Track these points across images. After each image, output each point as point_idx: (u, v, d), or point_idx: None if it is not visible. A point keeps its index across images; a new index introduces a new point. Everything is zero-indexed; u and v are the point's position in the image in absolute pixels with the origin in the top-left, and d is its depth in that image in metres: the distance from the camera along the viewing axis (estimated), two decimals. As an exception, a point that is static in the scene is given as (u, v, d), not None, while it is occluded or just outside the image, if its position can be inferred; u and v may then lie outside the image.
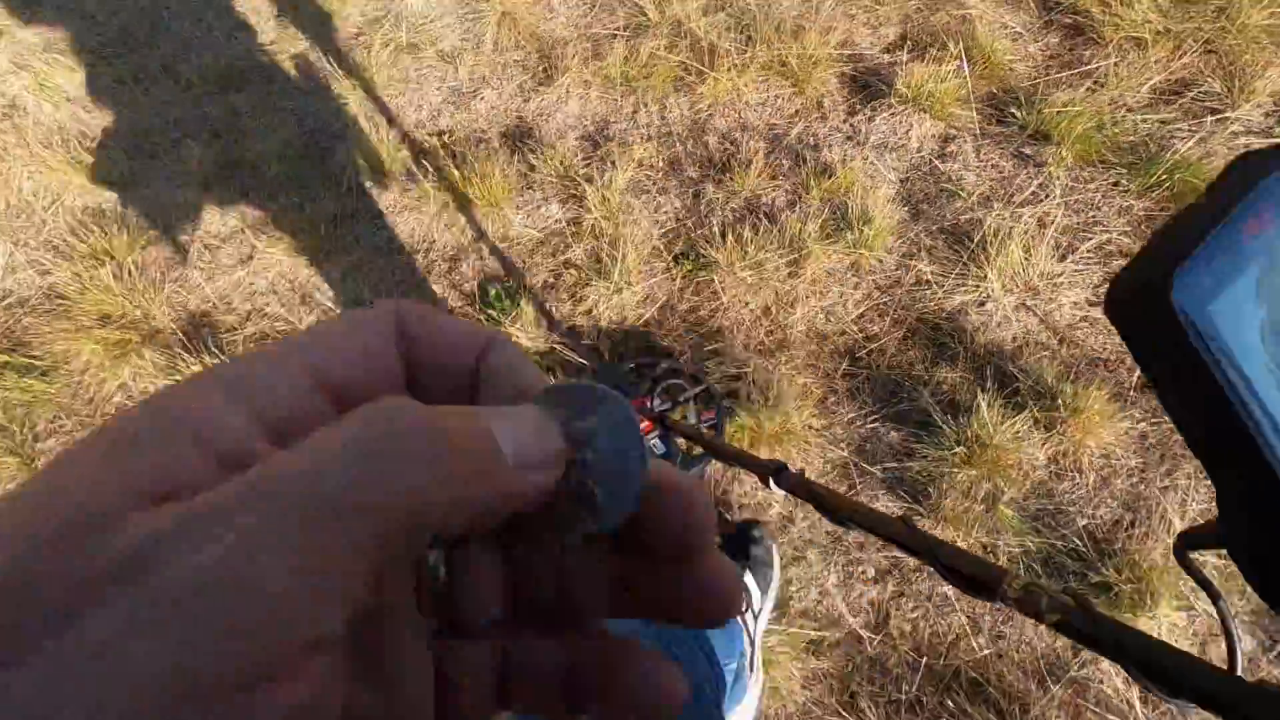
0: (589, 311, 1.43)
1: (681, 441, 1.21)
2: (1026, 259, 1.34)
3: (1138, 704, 1.03)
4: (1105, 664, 1.07)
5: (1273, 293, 0.27)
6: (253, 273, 1.55)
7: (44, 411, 1.42)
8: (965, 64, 1.51)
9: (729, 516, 1.22)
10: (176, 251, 1.58)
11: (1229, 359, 0.26)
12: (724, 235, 1.43)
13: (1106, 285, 0.28)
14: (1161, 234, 0.28)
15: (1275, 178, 0.26)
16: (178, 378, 1.37)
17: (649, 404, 1.21)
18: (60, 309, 1.51)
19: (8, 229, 1.63)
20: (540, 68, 1.72)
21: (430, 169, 1.59)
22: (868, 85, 1.61)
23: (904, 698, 1.07)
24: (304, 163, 1.66)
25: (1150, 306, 0.27)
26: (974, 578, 0.43)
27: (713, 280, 1.41)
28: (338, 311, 1.49)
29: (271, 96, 1.75)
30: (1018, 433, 1.19)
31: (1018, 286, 1.35)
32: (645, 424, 1.16)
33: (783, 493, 0.65)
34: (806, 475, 0.65)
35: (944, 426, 1.21)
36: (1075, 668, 1.07)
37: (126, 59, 1.89)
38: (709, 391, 1.26)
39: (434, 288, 1.49)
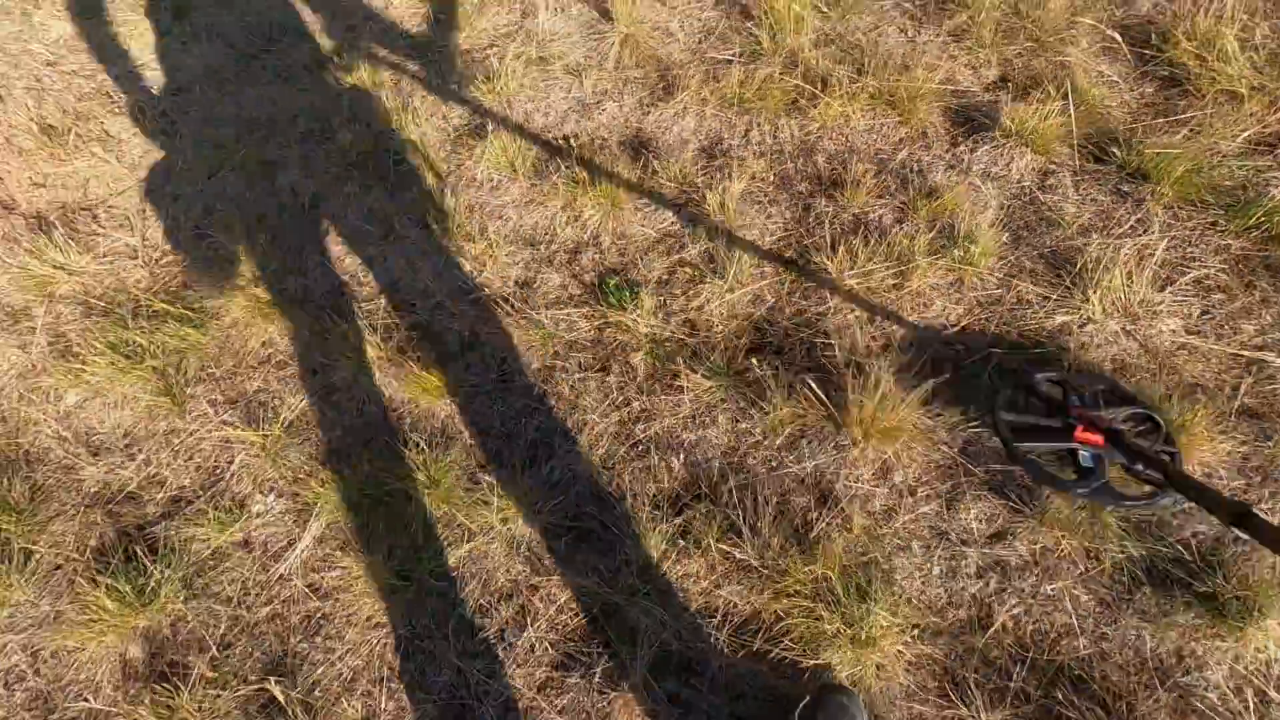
0: (700, 308, 1.52)
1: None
2: (1128, 286, 1.40)
3: (1244, 711, 1.06)
4: (1210, 672, 1.10)
5: None
6: (388, 250, 1.68)
7: (195, 359, 1.55)
8: (1070, 103, 1.60)
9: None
10: (321, 223, 1.72)
11: None
12: (834, 246, 1.53)
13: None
14: None
15: None
16: (327, 337, 1.49)
17: (1099, 421, 1.17)
18: (215, 267, 1.65)
19: (172, 194, 1.79)
20: (660, 85, 1.86)
21: (555, 169, 1.72)
22: (970, 119, 1.71)
23: (1012, 687, 1.11)
24: (440, 154, 1.80)
25: None
26: None
27: (822, 286, 1.50)
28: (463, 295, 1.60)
29: (414, 94, 1.91)
30: (1121, 445, 1.24)
31: (1118, 312, 1.41)
32: (1089, 435, 1.16)
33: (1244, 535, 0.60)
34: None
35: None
36: (1180, 674, 1.10)
37: (276, 54, 2.07)
38: (1156, 424, 1.22)
39: (555, 276, 1.60)
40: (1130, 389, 1.29)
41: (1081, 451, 1.19)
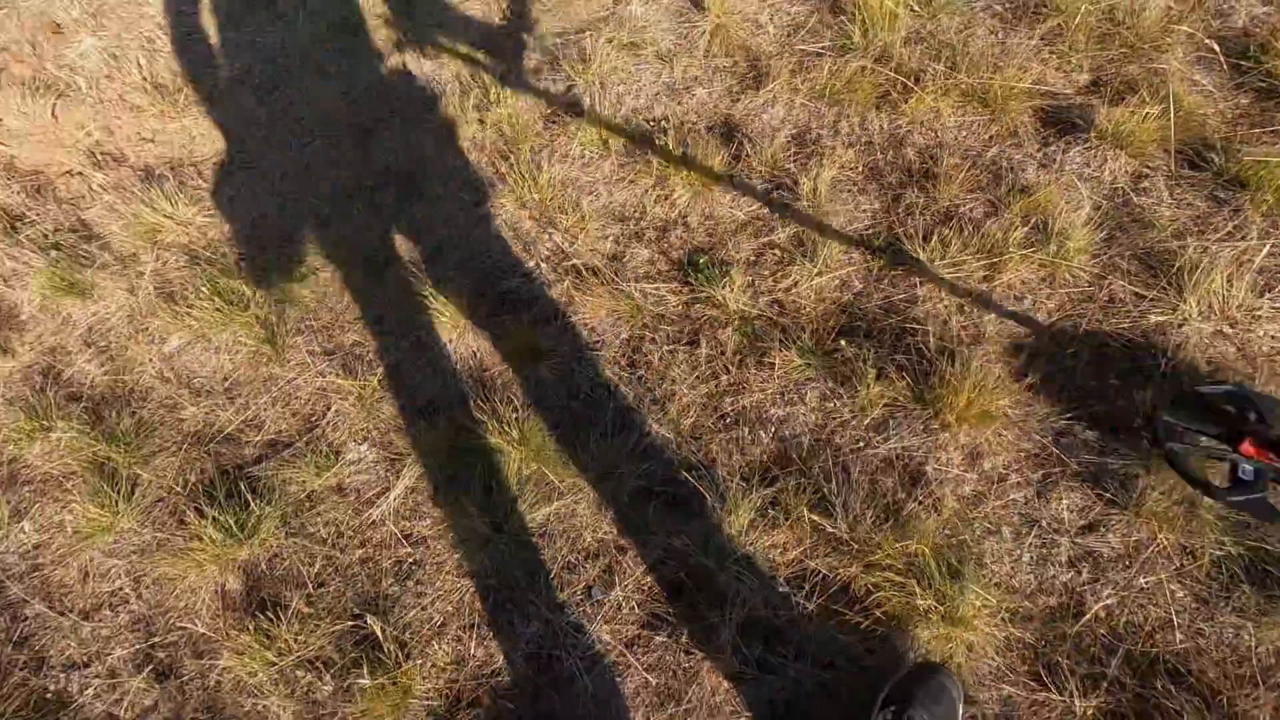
0: (789, 289, 1.54)
1: None
2: (1228, 289, 1.40)
3: (1351, 715, 1.04)
4: (1313, 674, 1.08)
5: None
6: (481, 218, 1.72)
7: (296, 311, 1.60)
8: (1171, 107, 1.60)
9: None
10: (416, 191, 1.77)
11: None
12: (926, 237, 1.54)
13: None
14: None
15: None
16: (422, 298, 1.53)
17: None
18: (313, 227, 1.70)
19: (272, 156, 1.85)
20: (749, 75, 1.89)
21: (646, 149, 1.76)
22: (1061, 120, 1.71)
23: (1108, 674, 1.11)
24: (534, 130, 1.84)
25: None
26: None
27: (911, 274, 1.51)
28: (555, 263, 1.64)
29: (510, 72, 1.97)
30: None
31: (1215, 314, 1.40)
32: (1257, 450, 1.14)
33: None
34: None
35: (1145, 431, 1.26)
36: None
37: (372, 31, 2.14)
38: None
39: (644, 251, 1.64)
40: None
41: (1243, 465, 1.15)
